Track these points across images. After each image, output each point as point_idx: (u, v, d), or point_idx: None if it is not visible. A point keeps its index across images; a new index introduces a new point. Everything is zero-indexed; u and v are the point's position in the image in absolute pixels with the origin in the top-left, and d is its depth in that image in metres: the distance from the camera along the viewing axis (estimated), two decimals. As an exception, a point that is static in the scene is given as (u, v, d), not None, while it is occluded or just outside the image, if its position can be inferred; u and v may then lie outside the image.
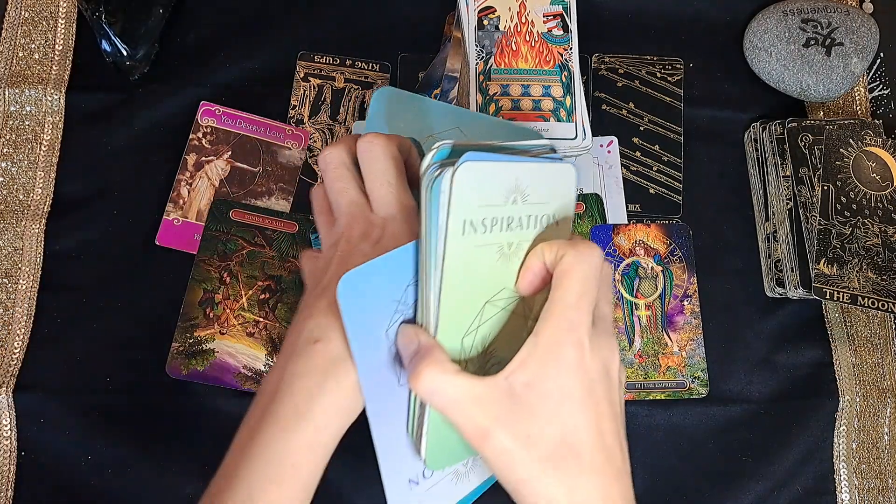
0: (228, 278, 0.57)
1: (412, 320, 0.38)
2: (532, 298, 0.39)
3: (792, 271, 0.59)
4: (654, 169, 0.63)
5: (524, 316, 0.40)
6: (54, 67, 0.61)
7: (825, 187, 0.60)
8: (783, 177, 0.61)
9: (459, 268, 0.36)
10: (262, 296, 0.57)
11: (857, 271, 0.58)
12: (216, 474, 0.38)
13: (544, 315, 0.36)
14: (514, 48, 0.59)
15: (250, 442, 0.36)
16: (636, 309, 0.60)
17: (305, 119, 0.61)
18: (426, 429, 0.38)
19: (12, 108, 0.59)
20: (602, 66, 0.65)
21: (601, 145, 0.62)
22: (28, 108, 0.59)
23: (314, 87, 0.62)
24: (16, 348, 0.55)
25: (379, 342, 0.37)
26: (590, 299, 0.36)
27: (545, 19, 0.60)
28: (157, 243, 0.57)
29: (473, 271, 0.37)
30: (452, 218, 0.35)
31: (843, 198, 0.60)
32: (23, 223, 0.57)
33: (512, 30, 0.60)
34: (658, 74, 0.65)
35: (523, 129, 0.52)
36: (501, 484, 0.37)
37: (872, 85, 0.68)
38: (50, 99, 0.60)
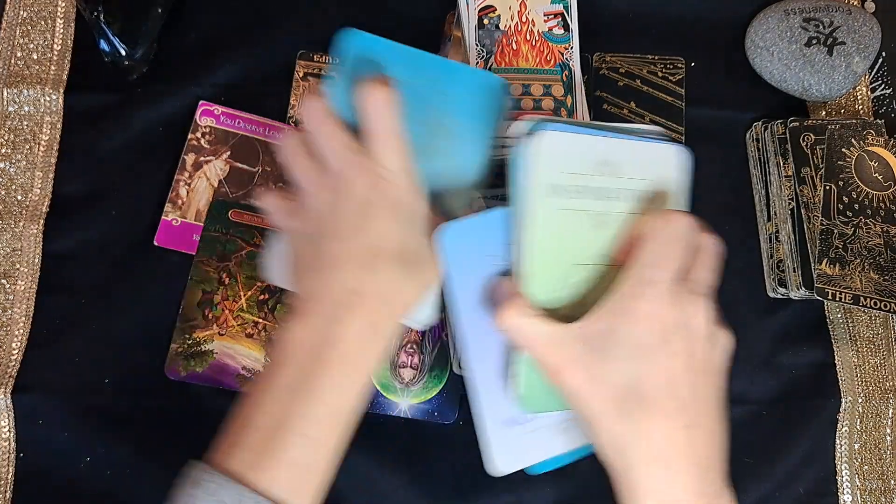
0: (227, 279, 0.56)
1: (508, 274, 0.43)
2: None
3: (794, 271, 0.59)
4: (655, 169, 0.62)
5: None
6: (52, 67, 0.60)
7: (827, 187, 0.59)
8: (785, 177, 0.61)
9: (547, 227, 0.40)
10: (262, 297, 0.57)
11: (859, 272, 0.58)
12: (256, 412, 0.40)
13: (623, 271, 0.39)
14: (515, 47, 0.59)
15: (305, 387, 0.38)
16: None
17: (305, 119, 0.61)
18: (518, 369, 0.42)
19: (10, 109, 0.59)
20: (603, 66, 0.65)
21: (602, 145, 0.62)
22: (26, 109, 0.59)
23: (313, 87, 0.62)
24: (14, 349, 0.55)
25: (478, 291, 0.43)
26: (671, 259, 0.39)
27: (546, 18, 0.60)
28: (155, 244, 0.57)
29: (563, 233, 0.41)
30: (533, 179, 0.40)
31: (845, 198, 0.59)
32: (21, 224, 0.57)
33: (512, 29, 0.59)
34: (659, 74, 0.65)
35: (486, 75, 0.50)
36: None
37: (874, 84, 0.67)
38: (48, 99, 0.59)
